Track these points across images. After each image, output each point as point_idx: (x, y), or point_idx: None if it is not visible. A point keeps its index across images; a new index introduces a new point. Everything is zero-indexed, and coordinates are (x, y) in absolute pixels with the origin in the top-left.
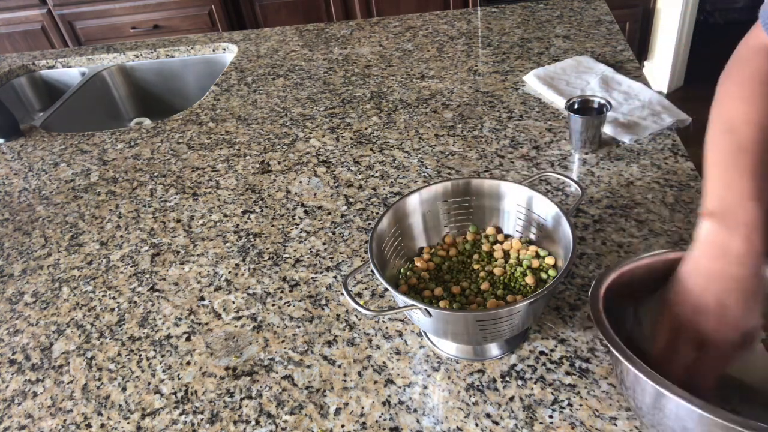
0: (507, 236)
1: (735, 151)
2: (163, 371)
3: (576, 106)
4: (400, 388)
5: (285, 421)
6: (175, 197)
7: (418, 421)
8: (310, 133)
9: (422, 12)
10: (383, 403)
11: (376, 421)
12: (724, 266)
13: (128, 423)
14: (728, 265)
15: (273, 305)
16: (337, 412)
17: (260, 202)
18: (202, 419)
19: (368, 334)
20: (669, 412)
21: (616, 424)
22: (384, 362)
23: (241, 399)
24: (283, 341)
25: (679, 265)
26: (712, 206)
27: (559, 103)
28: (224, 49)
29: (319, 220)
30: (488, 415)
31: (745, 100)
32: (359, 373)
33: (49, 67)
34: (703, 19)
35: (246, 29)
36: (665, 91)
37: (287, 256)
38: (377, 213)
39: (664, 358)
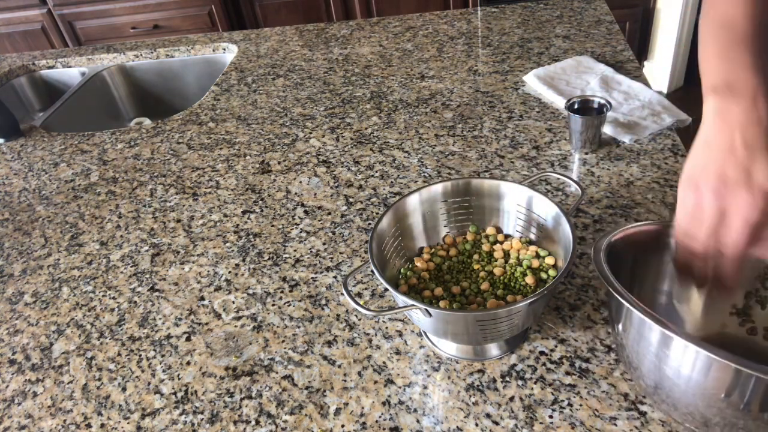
0: (507, 236)
1: (732, 40)
2: (163, 371)
3: (576, 106)
4: (400, 388)
5: (285, 421)
6: (175, 197)
7: (418, 421)
8: (310, 133)
9: (422, 12)
10: (383, 403)
11: (376, 421)
12: (735, 134)
13: (128, 423)
14: (739, 132)
15: (273, 305)
16: (337, 412)
17: (260, 202)
18: (202, 419)
19: (368, 334)
20: (674, 353)
21: (616, 424)
22: (384, 362)
23: (241, 399)
24: (283, 341)
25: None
26: (713, 82)
27: (559, 103)
28: (224, 49)
29: (319, 220)
30: (488, 415)
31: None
32: (359, 373)
33: (49, 67)
34: None
35: (246, 29)
36: (665, 91)
37: (287, 256)
38: (377, 213)
39: (687, 231)
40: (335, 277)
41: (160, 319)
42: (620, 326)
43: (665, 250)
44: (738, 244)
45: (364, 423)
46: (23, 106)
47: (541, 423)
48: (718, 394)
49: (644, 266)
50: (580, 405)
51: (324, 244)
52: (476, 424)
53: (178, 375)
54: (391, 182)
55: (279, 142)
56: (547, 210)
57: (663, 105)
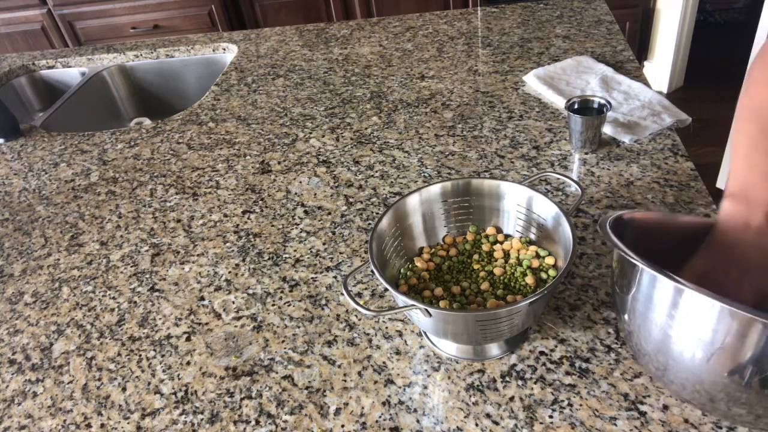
0: (507, 236)
1: (758, 134)
2: (163, 371)
3: (576, 106)
4: (400, 388)
5: (285, 421)
6: (175, 197)
7: (418, 421)
8: (310, 133)
9: (422, 12)
10: (383, 403)
11: (376, 421)
12: (746, 237)
13: (128, 423)
14: (750, 236)
15: (273, 305)
16: (337, 412)
17: (260, 202)
18: (202, 419)
19: (368, 334)
20: (685, 306)
21: (616, 424)
22: (384, 362)
23: (241, 399)
24: (283, 341)
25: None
26: (733, 188)
27: (559, 103)
28: (224, 49)
29: (319, 220)
30: (488, 415)
31: None
32: (359, 373)
33: (49, 67)
34: (703, 19)
35: (246, 29)
36: (665, 91)
37: (287, 256)
38: (377, 213)
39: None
40: (335, 277)
41: (160, 319)
42: (629, 297)
43: (669, 240)
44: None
45: (364, 423)
46: (23, 106)
47: (541, 423)
48: (725, 360)
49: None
50: (580, 405)
51: (324, 244)
52: (476, 424)
53: (178, 375)
54: (391, 182)
55: (279, 142)
56: (547, 210)
57: (663, 105)
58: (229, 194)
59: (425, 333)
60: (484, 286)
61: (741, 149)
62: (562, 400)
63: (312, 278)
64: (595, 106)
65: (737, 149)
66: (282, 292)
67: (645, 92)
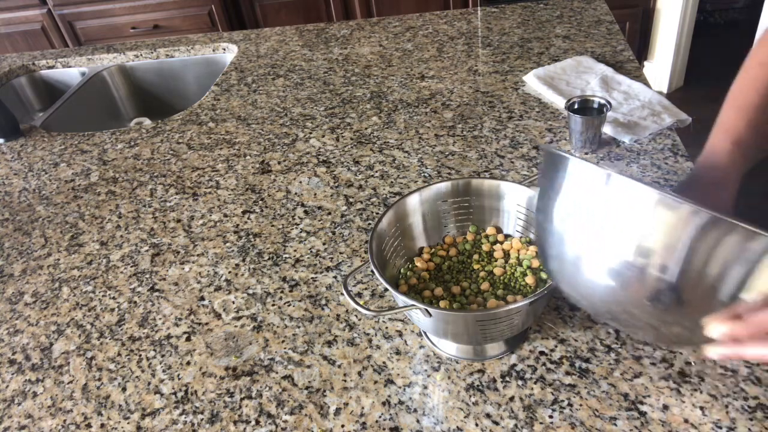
0: (507, 236)
1: (743, 87)
2: (163, 371)
3: (576, 106)
4: (400, 388)
5: (285, 421)
6: (175, 197)
7: (418, 421)
8: (310, 133)
9: (422, 12)
10: (383, 403)
11: (376, 421)
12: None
13: (128, 423)
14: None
15: (273, 305)
16: (337, 412)
17: (260, 202)
18: (202, 419)
19: (368, 334)
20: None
21: (616, 424)
22: (384, 362)
23: (241, 399)
24: (283, 341)
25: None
26: (720, 131)
27: (559, 103)
28: (224, 49)
29: (319, 220)
30: (488, 415)
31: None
32: (359, 373)
33: (49, 67)
34: (703, 19)
35: (246, 29)
36: (665, 91)
37: (287, 256)
38: (377, 213)
39: None
40: (335, 277)
41: (160, 319)
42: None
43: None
44: None
45: (364, 423)
46: (23, 106)
47: (541, 423)
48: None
49: None
50: (580, 405)
51: (324, 244)
52: (476, 424)
53: (178, 375)
54: (391, 182)
55: (279, 142)
56: None
57: (663, 105)
58: (229, 194)
59: (425, 333)
60: (484, 286)
61: (725, 104)
62: (562, 400)
63: (312, 278)
64: (595, 106)
65: (725, 103)
66: (282, 292)
67: (645, 92)
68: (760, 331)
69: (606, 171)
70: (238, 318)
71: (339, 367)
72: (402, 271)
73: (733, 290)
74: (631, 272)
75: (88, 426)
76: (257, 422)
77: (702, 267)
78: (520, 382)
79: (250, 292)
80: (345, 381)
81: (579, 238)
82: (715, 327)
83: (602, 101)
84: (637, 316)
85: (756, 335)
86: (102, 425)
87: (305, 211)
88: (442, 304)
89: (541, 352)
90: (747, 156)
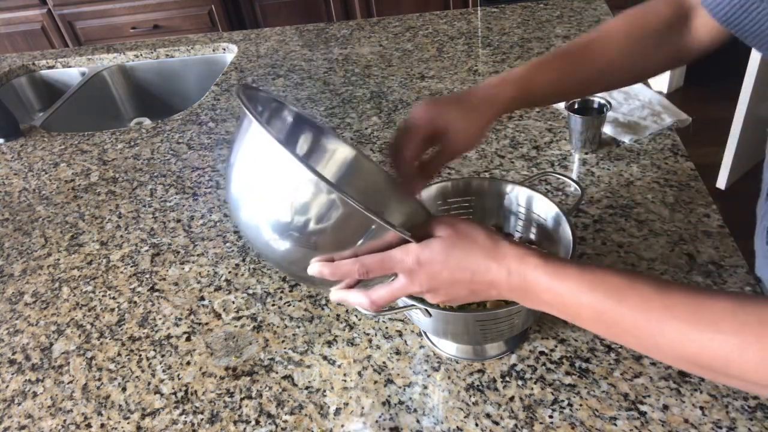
0: (507, 235)
1: (551, 57)
2: (163, 371)
3: (576, 106)
4: (400, 388)
5: (285, 421)
6: (175, 197)
7: (418, 421)
8: None
9: (422, 12)
10: (383, 403)
11: (376, 421)
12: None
13: (128, 423)
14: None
15: (273, 305)
16: (337, 412)
17: None
18: (202, 419)
19: (368, 334)
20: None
21: (616, 424)
22: (384, 362)
23: (241, 399)
24: (283, 341)
25: None
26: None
27: (559, 103)
28: (224, 49)
29: None
30: (488, 415)
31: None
32: (359, 373)
33: (49, 67)
34: None
35: (246, 29)
36: (665, 91)
37: None
38: None
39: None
40: None
41: (160, 319)
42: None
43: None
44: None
45: (364, 423)
46: (23, 106)
47: (541, 423)
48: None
49: None
50: (580, 405)
51: None
52: (476, 424)
53: (178, 375)
54: None
55: None
56: (547, 210)
57: (663, 105)
58: None
59: (425, 333)
60: None
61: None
62: (562, 400)
63: None
64: (595, 106)
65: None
66: (282, 292)
67: (645, 92)
68: (344, 276)
69: (270, 139)
70: (238, 318)
71: (339, 367)
72: None
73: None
74: (287, 238)
75: (88, 426)
76: (257, 422)
77: (333, 235)
78: (520, 382)
79: (250, 292)
80: (345, 381)
81: (248, 200)
82: (312, 265)
83: (602, 101)
84: (296, 271)
85: (344, 277)
86: (102, 425)
87: None
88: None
89: (541, 352)
90: (515, 88)
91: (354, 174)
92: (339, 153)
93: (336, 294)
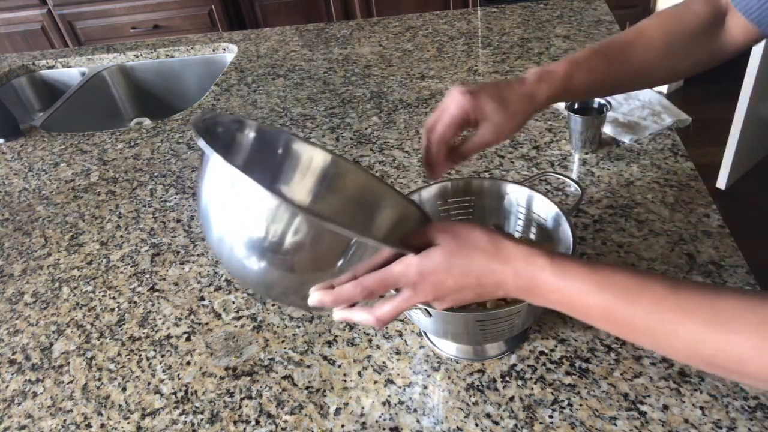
0: (508, 236)
1: (588, 55)
2: (163, 371)
3: (576, 106)
4: (400, 388)
5: (285, 421)
6: (175, 197)
7: (418, 421)
8: (310, 133)
9: (422, 12)
10: (383, 403)
11: (376, 421)
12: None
13: (128, 423)
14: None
15: (273, 305)
16: (337, 412)
17: None
18: (202, 419)
19: (368, 334)
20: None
21: (616, 424)
22: (384, 362)
23: (241, 399)
24: (283, 341)
25: None
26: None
27: (559, 103)
28: (224, 49)
29: None
30: (488, 415)
31: (642, 23)
32: (359, 373)
33: (49, 67)
34: None
35: (246, 29)
36: (665, 91)
37: None
38: None
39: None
40: None
41: (160, 319)
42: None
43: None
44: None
45: (364, 423)
46: (23, 106)
47: (541, 423)
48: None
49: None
50: (580, 405)
51: None
52: (476, 424)
53: (178, 375)
54: (391, 182)
55: None
56: (547, 210)
57: (663, 105)
58: None
59: (425, 333)
60: None
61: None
62: (562, 400)
63: None
64: (595, 106)
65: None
66: None
67: (645, 92)
68: (347, 301)
69: (233, 174)
70: (238, 318)
71: (339, 367)
72: None
73: (334, 273)
74: (262, 258)
75: (88, 426)
76: (257, 422)
77: (308, 256)
78: (520, 382)
79: (250, 292)
80: (345, 381)
81: (217, 223)
82: (312, 295)
83: (602, 101)
84: (276, 292)
85: (347, 302)
86: (102, 425)
87: None
88: None
89: (541, 352)
90: (552, 88)
91: (337, 179)
92: (316, 160)
93: (339, 314)
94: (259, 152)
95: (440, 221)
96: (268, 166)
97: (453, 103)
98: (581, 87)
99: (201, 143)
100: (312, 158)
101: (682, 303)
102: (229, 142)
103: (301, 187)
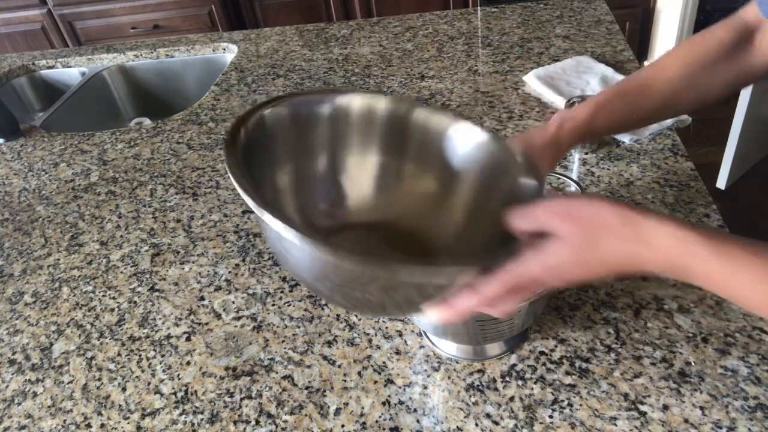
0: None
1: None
2: (163, 371)
3: (576, 106)
4: (400, 388)
5: (285, 421)
6: (175, 197)
7: (418, 421)
8: None
9: (422, 12)
10: (383, 403)
11: (376, 421)
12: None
13: (128, 423)
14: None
15: (273, 305)
16: (337, 412)
17: None
18: (202, 419)
19: (368, 334)
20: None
21: (616, 424)
22: (384, 362)
23: (241, 399)
24: (283, 341)
25: None
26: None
27: (559, 103)
28: (224, 49)
29: None
30: (488, 415)
31: (665, 55)
32: (359, 373)
33: (49, 67)
34: (703, 19)
35: (246, 29)
36: None
37: None
38: None
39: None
40: None
41: (160, 319)
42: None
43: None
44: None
45: (364, 423)
46: (23, 106)
47: (541, 423)
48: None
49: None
50: (580, 405)
51: None
52: (476, 424)
53: (178, 375)
54: None
55: None
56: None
57: None
58: (229, 194)
59: (425, 333)
60: None
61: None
62: (562, 400)
63: None
64: None
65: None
66: (282, 292)
67: None
68: (468, 313)
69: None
70: (238, 318)
71: (339, 367)
72: None
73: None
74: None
75: (88, 426)
76: (257, 422)
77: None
78: (520, 382)
79: (250, 292)
80: (345, 381)
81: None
82: (430, 316)
83: None
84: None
85: (468, 315)
86: (102, 425)
87: None
88: None
89: (541, 352)
90: (575, 133)
91: (405, 126)
92: (375, 108)
93: (435, 314)
94: (304, 131)
95: (553, 201)
96: (320, 140)
97: None
98: (604, 126)
99: (245, 197)
100: (368, 107)
101: None
102: (267, 142)
103: (364, 149)
